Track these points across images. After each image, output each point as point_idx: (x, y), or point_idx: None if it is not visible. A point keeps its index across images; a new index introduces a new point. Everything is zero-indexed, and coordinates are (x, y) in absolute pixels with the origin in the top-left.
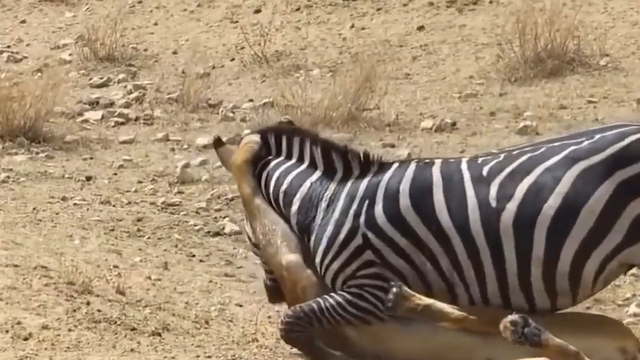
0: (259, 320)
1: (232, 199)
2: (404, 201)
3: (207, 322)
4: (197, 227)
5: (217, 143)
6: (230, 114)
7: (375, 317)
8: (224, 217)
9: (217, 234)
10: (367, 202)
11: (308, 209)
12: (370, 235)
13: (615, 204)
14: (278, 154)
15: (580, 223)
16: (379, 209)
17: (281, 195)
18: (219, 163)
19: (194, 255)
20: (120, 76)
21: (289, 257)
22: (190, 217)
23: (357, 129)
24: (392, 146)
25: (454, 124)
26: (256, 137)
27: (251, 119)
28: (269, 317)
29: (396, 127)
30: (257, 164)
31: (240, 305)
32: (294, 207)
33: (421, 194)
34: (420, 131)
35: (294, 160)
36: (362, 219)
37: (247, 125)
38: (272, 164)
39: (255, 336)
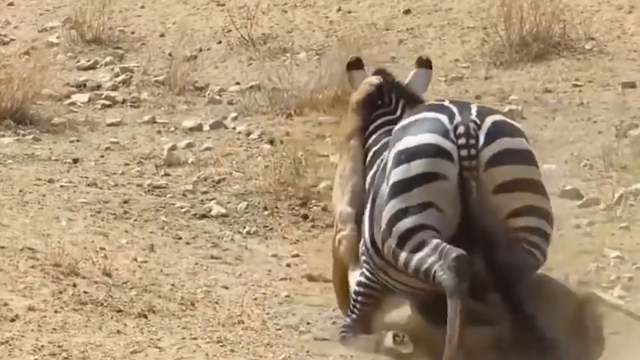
0: (245, 303)
1: (218, 182)
2: (371, 174)
3: (193, 304)
4: (183, 210)
5: (354, 64)
6: (217, 97)
7: (372, 289)
8: (211, 200)
9: (203, 216)
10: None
11: (375, 179)
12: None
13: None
14: (394, 111)
15: (370, 195)
16: (368, 182)
17: (370, 154)
18: (205, 145)
19: (180, 238)
20: (108, 59)
21: (345, 207)
22: (176, 200)
23: (343, 111)
24: None
25: None
26: (376, 80)
27: (238, 102)
28: (255, 299)
29: None
30: (373, 109)
31: (226, 288)
32: (371, 172)
33: (379, 168)
34: None
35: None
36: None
37: (233, 108)
38: (384, 119)
39: (241, 318)
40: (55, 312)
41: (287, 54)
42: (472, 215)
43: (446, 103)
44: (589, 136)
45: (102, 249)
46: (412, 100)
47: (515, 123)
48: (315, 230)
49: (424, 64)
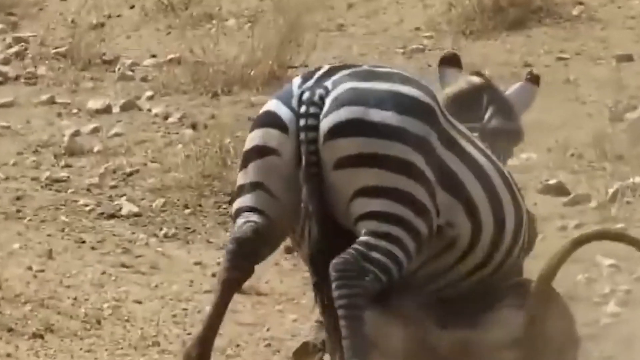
0: (162, 320)
1: (130, 174)
2: None
3: (98, 322)
4: (88, 208)
5: (450, 60)
6: (129, 72)
7: None
8: (121, 196)
9: (112, 215)
10: None
11: None
12: None
13: None
14: (479, 118)
15: None
16: None
17: None
18: (114, 130)
19: (84, 242)
20: None
21: None
22: (80, 196)
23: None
24: None
25: None
26: (477, 80)
27: (154, 78)
28: (174, 316)
29: None
30: (461, 110)
31: (139, 302)
32: None
33: None
34: None
35: None
36: None
37: (149, 85)
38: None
39: (157, 339)
40: None
41: (213, 21)
42: (323, 197)
43: (326, 65)
44: (577, 119)
45: None
46: (503, 111)
47: (405, 94)
48: None
49: (533, 79)
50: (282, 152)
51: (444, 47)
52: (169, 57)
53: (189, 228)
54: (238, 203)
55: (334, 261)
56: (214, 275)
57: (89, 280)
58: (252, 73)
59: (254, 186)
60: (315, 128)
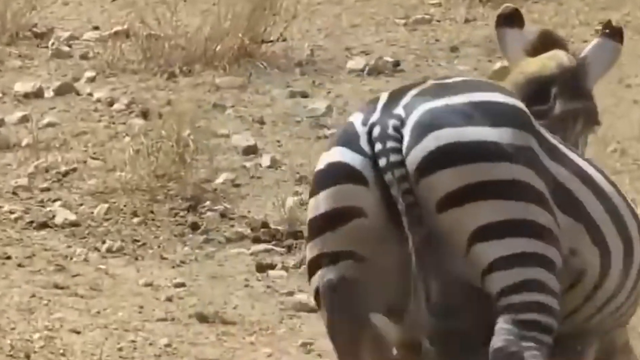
0: (104, 354)
1: (66, 174)
2: None
3: (27, 356)
4: (14, 216)
5: (510, 19)
6: (66, 48)
7: None
8: (54, 201)
9: (44, 225)
10: None
11: None
12: None
13: None
14: (544, 100)
15: None
16: None
17: None
18: (47, 119)
19: (9, 257)
20: None
21: None
22: (4, 201)
23: (253, 70)
24: (305, 96)
25: (396, 63)
26: (568, 61)
27: (96, 56)
28: (120, 349)
29: (310, 68)
30: (538, 95)
31: (77, 332)
32: None
33: None
34: (347, 74)
35: None
36: None
37: (89, 64)
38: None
39: None
40: None
41: None
42: (426, 249)
43: (383, 94)
44: (620, 107)
45: None
46: (569, 89)
47: (493, 101)
48: (210, 246)
49: (612, 34)
50: (366, 210)
51: (454, 17)
52: (115, 29)
53: (138, 241)
54: (319, 277)
55: (495, 347)
56: (169, 299)
57: (15, 304)
58: (218, 49)
59: (337, 256)
60: (402, 163)
